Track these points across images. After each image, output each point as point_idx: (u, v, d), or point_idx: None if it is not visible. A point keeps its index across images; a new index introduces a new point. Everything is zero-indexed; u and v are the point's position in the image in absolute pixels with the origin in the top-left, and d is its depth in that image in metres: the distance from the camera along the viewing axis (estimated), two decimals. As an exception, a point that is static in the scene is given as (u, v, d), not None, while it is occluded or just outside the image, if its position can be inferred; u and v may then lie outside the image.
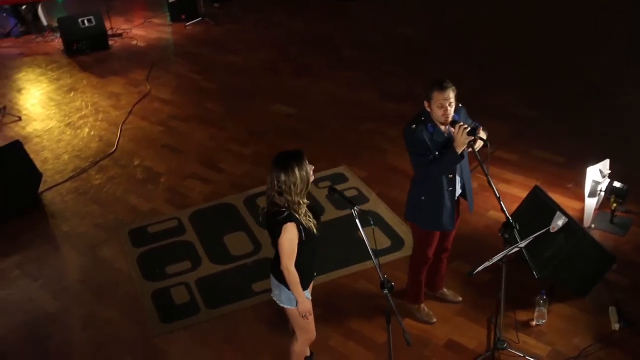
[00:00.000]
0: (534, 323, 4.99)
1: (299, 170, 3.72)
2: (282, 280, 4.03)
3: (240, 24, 11.90)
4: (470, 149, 4.36)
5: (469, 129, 4.21)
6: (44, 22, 11.92)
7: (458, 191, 4.71)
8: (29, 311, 5.55)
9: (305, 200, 3.85)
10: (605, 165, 5.84)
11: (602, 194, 5.81)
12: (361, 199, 6.58)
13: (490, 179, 4.28)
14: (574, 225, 4.99)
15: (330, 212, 6.42)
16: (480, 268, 3.89)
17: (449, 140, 4.36)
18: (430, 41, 10.49)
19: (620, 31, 10.20)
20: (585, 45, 9.79)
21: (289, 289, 4.04)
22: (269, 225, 3.89)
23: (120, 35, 11.47)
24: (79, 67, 10.32)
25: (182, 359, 4.99)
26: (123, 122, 8.46)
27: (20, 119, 8.76)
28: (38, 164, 7.59)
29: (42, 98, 9.44)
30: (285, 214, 3.78)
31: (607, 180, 5.79)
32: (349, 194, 6.68)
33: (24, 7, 11.84)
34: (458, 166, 4.56)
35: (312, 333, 4.33)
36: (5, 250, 6.36)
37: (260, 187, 6.85)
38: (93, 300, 5.62)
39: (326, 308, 5.33)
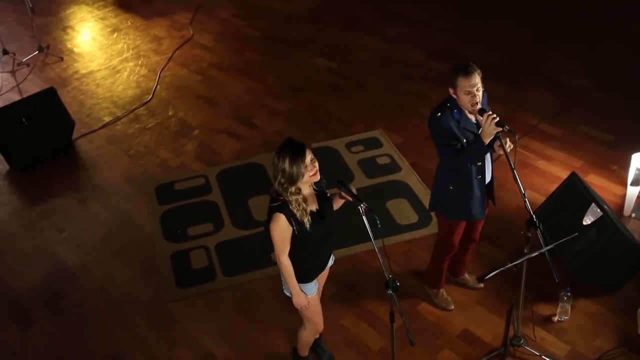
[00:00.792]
0: (556, 319, 4.76)
1: (288, 164, 3.50)
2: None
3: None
4: (498, 143, 4.06)
5: (497, 119, 3.91)
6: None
7: (488, 178, 4.43)
8: (50, 265, 5.62)
9: (297, 194, 3.61)
10: (654, 153, 5.46)
11: (647, 183, 5.44)
12: (393, 168, 6.35)
13: (515, 174, 3.99)
14: (608, 220, 4.68)
15: (360, 180, 6.22)
16: (492, 274, 3.66)
17: (478, 127, 4.07)
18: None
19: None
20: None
21: (299, 281, 3.91)
22: (267, 211, 3.74)
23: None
24: (124, 6, 10.18)
25: (193, 326, 4.98)
26: (162, 69, 8.34)
27: (62, 59, 8.74)
28: (75, 108, 7.63)
29: (85, 39, 9.39)
30: (278, 203, 3.60)
31: (654, 170, 5.42)
32: (382, 161, 6.46)
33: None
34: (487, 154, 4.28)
35: (318, 325, 4.21)
36: (35, 198, 6.43)
37: (292, 148, 6.69)
38: (113, 258, 5.63)
39: (343, 284, 5.22)
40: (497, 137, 4.02)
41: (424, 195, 5.97)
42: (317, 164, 3.62)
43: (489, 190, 4.47)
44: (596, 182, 5.92)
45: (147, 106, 7.68)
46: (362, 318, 4.92)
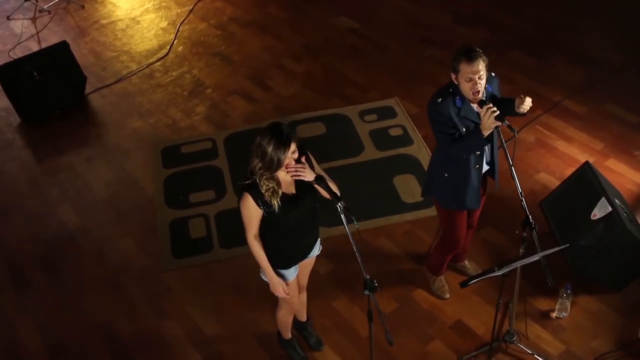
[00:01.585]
0: (554, 315, 4.58)
1: (272, 149, 3.33)
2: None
3: None
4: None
5: (497, 112, 3.67)
6: None
7: (485, 168, 4.20)
8: (51, 226, 5.63)
9: (269, 177, 3.45)
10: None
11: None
12: (404, 140, 6.13)
13: (513, 171, 3.76)
14: (616, 217, 4.43)
15: (370, 152, 6.04)
16: (474, 281, 3.48)
17: (479, 117, 3.83)
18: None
19: None
20: None
21: (273, 267, 3.81)
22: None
23: None
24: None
25: (185, 300, 4.95)
26: (182, 22, 8.15)
27: (83, 7, 8.62)
28: (91, 60, 7.56)
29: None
30: (248, 181, 3.47)
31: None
32: (394, 132, 6.24)
33: None
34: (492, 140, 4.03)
35: (294, 304, 4.12)
36: (43, 155, 6.43)
37: (304, 113, 6.54)
38: (113, 222, 5.61)
39: (339, 263, 5.11)
40: (497, 131, 3.77)
41: (434, 172, 5.76)
42: (297, 154, 3.45)
43: (489, 174, 4.24)
44: (615, 167, 5.63)
45: (164, 61, 7.54)
46: (355, 302, 4.82)
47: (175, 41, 7.80)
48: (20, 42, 7.97)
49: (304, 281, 4.23)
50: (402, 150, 6.02)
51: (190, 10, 8.38)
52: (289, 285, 3.93)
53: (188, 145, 6.33)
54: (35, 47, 7.76)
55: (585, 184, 4.79)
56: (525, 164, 5.74)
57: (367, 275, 3.50)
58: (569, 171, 5.53)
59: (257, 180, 3.47)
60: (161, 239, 5.39)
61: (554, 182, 5.49)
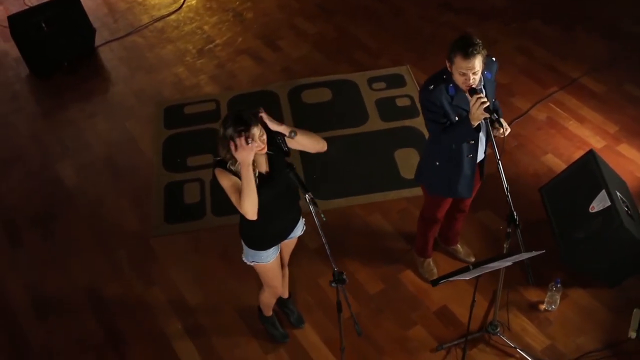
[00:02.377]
0: (543, 307, 4.45)
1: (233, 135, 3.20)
2: (241, 234, 3.73)
3: None
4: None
5: (487, 104, 3.47)
6: None
7: (480, 156, 4.02)
8: (49, 183, 5.64)
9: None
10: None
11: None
12: (411, 112, 5.94)
13: (501, 167, 3.57)
14: (614, 212, 4.23)
15: (374, 122, 5.87)
16: (445, 280, 3.35)
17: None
18: None
19: None
20: None
21: (247, 245, 3.74)
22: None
23: None
24: None
25: (171, 267, 4.93)
26: (198, -27, 7.96)
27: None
28: (104, 11, 7.47)
29: None
30: (218, 158, 3.37)
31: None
32: (401, 102, 6.06)
33: None
34: (483, 130, 3.82)
35: (277, 289, 4.06)
36: (47, 108, 6.42)
37: (311, 78, 6.38)
38: (109, 182, 5.59)
39: (331, 239, 4.87)
40: (486, 122, 3.58)
41: (437, 147, 5.59)
42: (265, 137, 3.31)
43: (480, 167, 4.08)
44: (627, 153, 5.38)
45: (177, 15, 7.43)
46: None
47: (189, -6, 7.64)
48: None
49: (286, 258, 4.16)
50: (407, 122, 5.84)
51: (208, -39, 8.15)
52: (270, 268, 3.86)
53: (192, 105, 6.24)
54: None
55: (587, 173, 4.58)
56: (533, 144, 5.53)
57: (336, 268, 3.38)
58: (578, 154, 5.30)
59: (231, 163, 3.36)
60: (155, 202, 5.36)
61: (560, 166, 5.28)
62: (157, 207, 5.33)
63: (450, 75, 3.62)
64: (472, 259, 4.76)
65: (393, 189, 5.30)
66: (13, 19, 6.56)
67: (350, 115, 5.97)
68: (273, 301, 4.26)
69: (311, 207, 3.31)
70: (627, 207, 4.42)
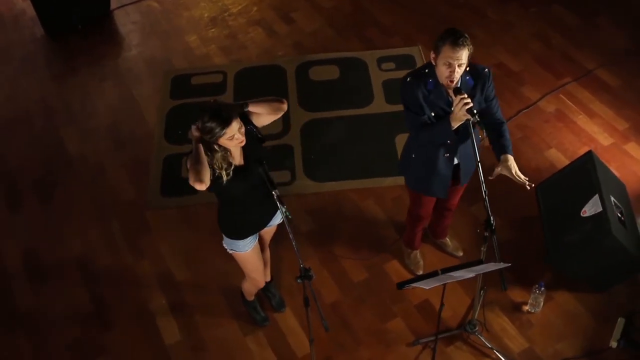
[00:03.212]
0: (526, 308, 4.41)
1: (212, 125, 3.18)
2: (219, 222, 3.74)
3: None
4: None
5: (470, 105, 3.38)
6: None
7: (457, 161, 3.89)
8: (52, 148, 5.71)
9: (221, 150, 3.32)
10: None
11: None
12: (418, 96, 5.83)
13: (480, 169, 3.48)
14: (604, 219, 4.13)
15: (378, 104, 5.79)
16: (412, 285, 3.32)
17: (449, 105, 3.55)
18: None
19: None
20: None
21: (224, 234, 3.76)
22: None
23: None
24: None
25: (163, 241, 4.99)
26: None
27: None
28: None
29: None
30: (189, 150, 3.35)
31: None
32: (409, 84, 5.94)
33: None
34: (465, 131, 3.69)
35: (258, 281, 4.10)
36: (58, 72, 6.46)
37: (321, 54, 6.31)
38: (111, 150, 5.64)
39: (321, 222, 5.03)
40: (467, 124, 3.49)
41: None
42: (244, 129, 3.29)
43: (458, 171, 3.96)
44: (634, 152, 5.23)
45: (194, -20, 7.33)
46: (326, 265, 4.75)
47: (208, -41, 7.54)
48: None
49: (267, 242, 4.17)
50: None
51: None
52: (249, 257, 3.87)
53: (199, 76, 6.22)
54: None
55: (584, 175, 4.47)
56: (538, 137, 5.40)
57: (302, 264, 3.38)
58: (583, 151, 5.17)
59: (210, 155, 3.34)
60: (153, 174, 5.40)
61: (562, 162, 5.16)
62: (155, 179, 5.37)
63: (432, 68, 3.53)
64: (460, 254, 4.72)
65: (390, 176, 5.24)
66: (30, -23, 6.59)
67: (356, 95, 5.89)
68: (254, 290, 4.29)
69: (279, 205, 3.28)
70: (620, 212, 4.31)
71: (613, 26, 6.27)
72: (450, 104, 3.53)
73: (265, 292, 4.54)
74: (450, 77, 3.45)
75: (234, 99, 5.93)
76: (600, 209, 4.19)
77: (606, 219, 4.11)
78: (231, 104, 3.44)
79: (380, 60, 6.18)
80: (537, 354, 4.20)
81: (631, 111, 5.50)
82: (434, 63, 3.52)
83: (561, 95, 5.69)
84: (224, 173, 3.38)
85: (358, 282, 4.65)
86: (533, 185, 3.44)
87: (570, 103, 5.61)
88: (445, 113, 3.56)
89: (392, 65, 6.12)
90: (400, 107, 5.59)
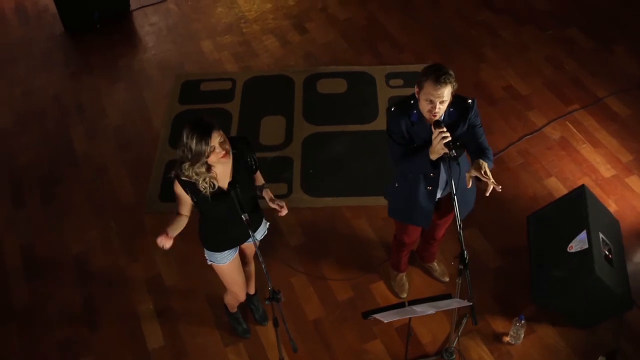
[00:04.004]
0: (507, 339, 4.39)
1: (191, 142, 3.24)
2: (199, 233, 3.82)
3: None
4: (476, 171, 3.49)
5: (448, 139, 3.37)
6: None
7: (440, 194, 3.87)
8: (60, 146, 5.84)
9: (205, 172, 3.38)
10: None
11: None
12: (422, 114, 5.82)
13: (456, 205, 3.46)
14: (589, 257, 4.09)
15: (382, 121, 5.79)
16: (377, 315, 3.32)
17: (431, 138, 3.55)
18: None
19: None
20: None
21: (203, 245, 3.84)
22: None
23: None
24: None
25: (155, 243, 5.02)
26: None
27: None
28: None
29: None
30: (173, 173, 3.44)
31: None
32: (416, 102, 5.93)
33: None
34: (446, 165, 3.63)
35: (238, 295, 4.16)
36: (73, 70, 6.59)
37: (331, 67, 6.33)
38: (116, 152, 5.75)
39: (312, 238, 5.06)
40: (446, 158, 3.47)
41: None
42: (227, 146, 3.34)
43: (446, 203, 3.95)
44: (635, 186, 5.16)
45: (215, -15, 7.42)
46: (313, 282, 4.78)
47: (230, -36, 7.62)
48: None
49: (249, 257, 4.22)
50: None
51: None
52: (227, 270, 3.94)
53: (209, 82, 6.30)
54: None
55: (574, 210, 4.42)
56: (539, 164, 5.35)
57: (271, 287, 3.42)
58: (583, 181, 5.14)
59: (187, 173, 3.40)
60: (153, 178, 5.49)
61: (561, 191, 5.12)
62: (155, 184, 5.46)
63: (417, 101, 3.53)
64: (447, 279, 4.72)
65: (382, 194, 5.23)
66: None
67: (360, 111, 5.91)
68: (235, 303, 4.35)
69: (250, 233, 3.34)
70: (608, 250, 4.26)
71: (629, 54, 6.18)
72: (431, 136, 3.53)
73: (249, 305, 4.59)
74: (432, 113, 3.45)
75: (240, 107, 6.00)
76: (586, 245, 4.16)
77: (591, 257, 4.07)
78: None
79: (389, 76, 6.19)
80: (512, 387, 4.19)
81: (637, 143, 5.42)
82: (417, 97, 3.52)
83: (567, 123, 5.63)
84: (207, 192, 3.44)
85: (342, 301, 4.68)
86: (500, 187, 3.38)
87: (576, 131, 5.55)
88: (428, 145, 3.56)
89: (400, 82, 6.12)
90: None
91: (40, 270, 5.00)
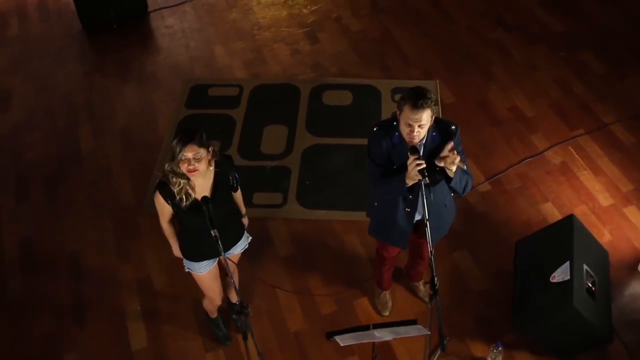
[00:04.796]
0: (485, 365, 4.38)
1: (175, 143, 3.37)
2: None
3: None
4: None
5: (422, 166, 3.38)
6: None
7: (419, 217, 3.85)
8: (67, 145, 5.97)
9: (183, 179, 3.47)
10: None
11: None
12: (424, 131, 5.81)
13: (428, 231, 3.47)
14: (569, 289, 4.05)
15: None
16: (340, 336, 3.34)
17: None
18: None
19: None
20: None
21: (181, 253, 3.93)
22: None
23: None
24: None
25: (149, 248, 5.15)
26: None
27: None
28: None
29: None
30: (162, 179, 3.57)
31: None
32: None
33: None
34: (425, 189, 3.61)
35: (214, 300, 4.24)
36: (90, 68, 6.75)
37: (338, 78, 6.36)
38: (119, 153, 5.86)
39: (301, 250, 5.10)
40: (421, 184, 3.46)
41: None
42: (201, 165, 3.41)
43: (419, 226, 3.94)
44: (633, 217, 5.07)
45: (232, -9, 7.51)
46: (298, 294, 4.82)
47: (251, -30, 7.69)
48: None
49: (232, 265, 4.27)
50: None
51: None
52: (204, 279, 4.02)
53: (216, 87, 6.37)
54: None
55: (562, 239, 4.38)
56: (536, 189, 5.31)
57: (239, 301, 3.47)
58: (578, 210, 5.10)
59: (169, 177, 3.49)
60: (152, 184, 5.57)
61: (556, 218, 5.06)
62: (153, 186, 5.52)
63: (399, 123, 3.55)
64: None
65: (379, 210, 5.25)
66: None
67: (363, 125, 5.90)
68: (212, 308, 4.41)
69: (220, 251, 3.39)
70: (592, 282, 4.21)
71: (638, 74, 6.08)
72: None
73: (231, 314, 4.65)
74: (411, 136, 3.46)
75: (245, 114, 6.05)
76: (568, 277, 4.11)
77: (570, 289, 4.03)
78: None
79: (395, 91, 6.19)
80: (486, 414, 4.17)
81: (639, 173, 5.33)
82: (398, 118, 3.54)
83: (570, 148, 5.57)
84: (183, 200, 3.51)
85: (325, 315, 4.71)
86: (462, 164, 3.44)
87: (578, 157, 5.49)
88: (406, 168, 3.56)
89: (405, 96, 6.10)
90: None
91: (36, 264, 5.13)
